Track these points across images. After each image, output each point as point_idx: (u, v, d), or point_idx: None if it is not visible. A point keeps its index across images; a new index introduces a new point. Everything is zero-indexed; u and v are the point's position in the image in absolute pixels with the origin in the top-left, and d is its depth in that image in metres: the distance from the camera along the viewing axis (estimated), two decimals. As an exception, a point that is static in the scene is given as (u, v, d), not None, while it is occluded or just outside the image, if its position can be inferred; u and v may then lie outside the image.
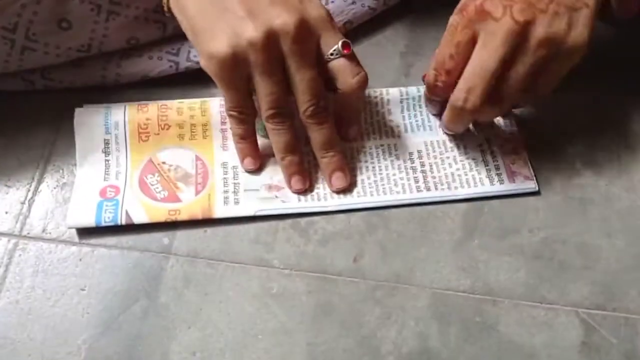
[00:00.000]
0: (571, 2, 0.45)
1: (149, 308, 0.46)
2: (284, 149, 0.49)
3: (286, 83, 0.47)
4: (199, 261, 0.47)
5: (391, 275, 0.47)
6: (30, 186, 0.51)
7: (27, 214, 0.49)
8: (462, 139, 0.52)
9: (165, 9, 0.49)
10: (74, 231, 0.48)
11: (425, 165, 0.51)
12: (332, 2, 0.56)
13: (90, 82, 0.53)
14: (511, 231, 0.49)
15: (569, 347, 0.44)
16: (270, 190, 0.50)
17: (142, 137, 0.51)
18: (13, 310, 0.45)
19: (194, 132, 0.52)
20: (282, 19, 0.45)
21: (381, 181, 0.50)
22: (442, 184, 0.50)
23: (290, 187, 0.50)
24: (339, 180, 0.50)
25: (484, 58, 0.45)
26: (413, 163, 0.51)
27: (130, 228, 0.48)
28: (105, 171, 0.50)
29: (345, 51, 0.47)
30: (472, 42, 0.46)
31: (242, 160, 0.51)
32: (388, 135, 0.53)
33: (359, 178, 0.51)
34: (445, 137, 0.52)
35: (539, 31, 0.45)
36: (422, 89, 0.52)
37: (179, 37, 0.54)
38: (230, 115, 0.49)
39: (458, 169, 0.51)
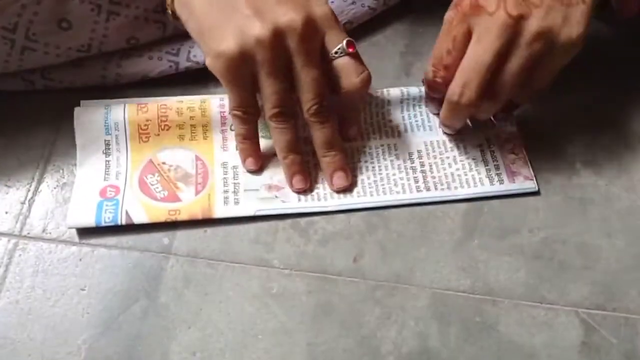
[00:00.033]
0: None
1: (149, 308, 0.46)
2: (286, 148, 0.49)
3: (290, 82, 0.47)
4: (199, 261, 0.47)
5: (391, 275, 0.47)
6: (30, 186, 0.51)
7: (27, 214, 0.49)
8: (462, 139, 0.52)
9: (169, 11, 0.49)
10: (74, 231, 0.48)
11: (425, 165, 0.51)
12: (332, 2, 0.56)
13: (90, 82, 0.53)
14: (511, 231, 0.49)
15: (569, 347, 0.44)
16: (270, 190, 0.50)
17: (142, 137, 0.51)
18: (13, 310, 0.46)
19: (194, 132, 0.52)
20: (289, 17, 0.45)
21: (381, 181, 0.50)
22: (442, 184, 0.50)
23: (291, 186, 0.50)
24: (340, 179, 0.50)
25: (479, 52, 0.45)
26: (413, 163, 0.51)
27: (130, 228, 0.48)
28: (106, 171, 0.50)
29: (349, 50, 0.47)
30: (468, 36, 0.46)
31: (244, 161, 0.51)
32: (388, 135, 0.53)
33: (358, 178, 0.51)
34: (445, 137, 0.52)
35: (533, 25, 0.45)
36: (423, 88, 0.52)
37: (179, 37, 0.54)
38: (234, 115, 0.49)
39: (458, 169, 0.51)
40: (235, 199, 0.49)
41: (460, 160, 0.51)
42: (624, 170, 0.51)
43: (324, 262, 0.47)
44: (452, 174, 0.51)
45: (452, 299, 0.46)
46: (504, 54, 0.45)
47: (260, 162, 0.51)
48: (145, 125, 0.51)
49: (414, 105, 0.54)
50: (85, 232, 0.48)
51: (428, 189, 0.50)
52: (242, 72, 0.46)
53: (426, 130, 0.53)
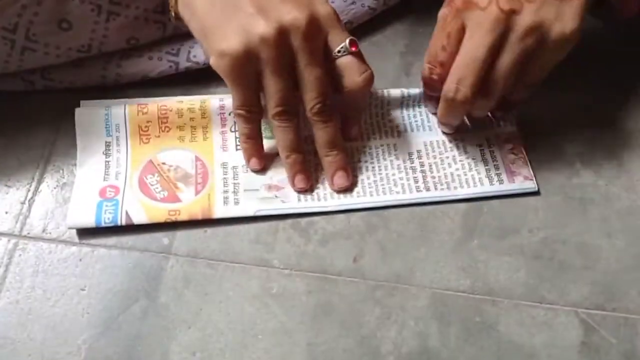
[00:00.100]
0: None
1: (148, 308, 0.46)
2: (289, 147, 0.49)
3: (294, 81, 0.47)
4: (199, 261, 0.47)
5: (391, 275, 0.47)
6: (31, 186, 0.51)
7: (27, 214, 0.49)
8: (461, 139, 0.52)
9: (172, 13, 0.49)
10: (74, 231, 0.48)
11: (425, 165, 0.51)
12: (332, 2, 0.56)
13: (90, 82, 0.53)
14: (511, 231, 0.49)
15: (568, 347, 0.44)
16: (270, 190, 0.50)
17: (142, 139, 0.51)
18: (13, 310, 0.46)
19: (194, 134, 0.52)
20: (293, 15, 0.45)
21: (381, 181, 0.50)
22: (441, 184, 0.50)
23: (293, 185, 0.50)
24: (341, 179, 0.50)
25: (472, 48, 0.46)
26: (413, 163, 0.51)
27: (130, 228, 0.48)
28: (105, 172, 0.50)
29: (352, 49, 0.47)
30: (462, 32, 0.47)
31: (247, 161, 0.51)
32: (388, 135, 0.53)
33: (358, 178, 0.51)
34: (445, 137, 0.52)
35: (525, 20, 0.45)
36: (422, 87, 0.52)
37: (179, 37, 0.54)
38: (238, 115, 0.49)
39: (457, 169, 0.51)
40: (235, 199, 0.49)
41: (460, 160, 0.51)
42: (624, 170, 0.51)
43: (324, 262, 0.47)
44: (452, 174, 0.51)
45: (452, 299, 0.46)
46: (497, 49, 0.45)
47: (264, 161, 0.51)
48: (146, 126, 0.51)
49: (413, 106, 0.54)
50: (85, 232, 0.48)
51: (428, 189, 0.50)
52: (246, 71, 0.46)
53: (426, 130, 0.53)
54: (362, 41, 0.56)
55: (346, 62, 0.47)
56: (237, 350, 0.44)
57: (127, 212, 0.48)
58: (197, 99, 0.52)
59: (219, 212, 0.49)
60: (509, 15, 0.45)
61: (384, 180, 0.50)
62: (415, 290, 0.46)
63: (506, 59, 0.46)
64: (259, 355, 0.44)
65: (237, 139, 0.52)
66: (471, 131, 0.52)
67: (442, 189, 0.50)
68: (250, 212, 0.49)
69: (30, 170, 0.51)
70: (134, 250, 0.48)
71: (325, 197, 0.50)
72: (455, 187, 0.50)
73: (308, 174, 0.50)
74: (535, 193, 0.50)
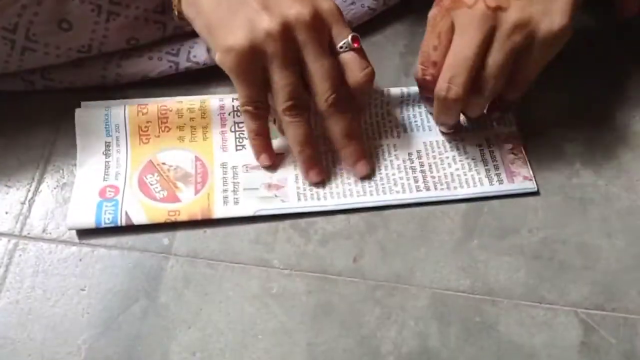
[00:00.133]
0: None
1: (148, 308, 0.46)
2: (302, 142, 0.49)
3: (301, 76, 0.47)
4: (198, 261, 0.47)
5: (391, 275, 0.47)
6: (31, 186, 0.51)
7: (27, 214, 0.49)
8: (461, 139, 0.52)
9: (176, 12, 0.49)
10: (74, 231, 0.48)
11: (425, 165, 0.51)
12: (332, 2, 0.56)
13: (90, 83, 0.53)
14: (511, 231, 0.49)
15: (568, 347, 0.44)
16: (270, 189, 0.50)
17: (142, 139, 0.51)
18: (13, 310, 0.46)
19: (194, 134, 0.52)
20: (297, 10, 0.45)
21: (380, 181, 0.50)
22: (441, 184, 0.50)
23: (308, 179, 0.50)
24: (363, 167, 0.50)
25: (462, 46, 0.46)
26: (412, 163, 0.51)
27: (130, 228, 0.48)
28: (105, 172, 0.50)
29: (354, 45, 0.47)
30: (452, 31, 0.47)
31: (257, 157, 0.51)
32: (388, 135, 0.53)
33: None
34: (445, 138, 0.52)
35: (512, 16, 0.45)
36: (422, 88, 0.52)
37: (179, 37, 0.54)
38: (245, 111, 0.49)
39: (457, 169, 0.51)
40: (234, 198, 0.49)
41: (460, 160, 0.51)
42: (624, 170, 0.51)
43: (324, 262, 0.47)
44: (452, 174, 0.51)
45: (452, 299, 0.46)
46: (486, 46, 0.45)
47: (274, 157, 0.51)
48: (146, 127, 0.51)
49: (413, 106, 0.54)
50: (85, 233, 0.48)
51: (428, 189, 0.50)
52: (252, 67, 0.46)
53: (425, 130, 0.53)
54: (362, 41, 0.56)
55: (348, 58, 0.48)
56: (237, 350, 0.44)
57: (126, 213, 0.48)
58: (196, 99, 0.52)
59: (218, 212, 0.49)
60: (496, 12, 0.45)
61: (384, 180, 0.50)
62: (415, 290, 0.46)
63: (495, 56, 0.46)
64: (259, 355, 0.44)
65: (237, 140, 0.52)
66: (471, 131, 0.52)
67: (442, 189, 0.50)
68: (250, 212, 0.49)
69: (30, 170, 0.51)
70: (134, 251, 0.48)
71: (325, 197, 0.50)
72: (455, 187, 0.50)
73: (322, 168, 0.50)
74: (535, 193, 0.50)
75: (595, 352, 0.44)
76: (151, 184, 0.50)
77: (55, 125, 0.53)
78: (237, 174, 0.51)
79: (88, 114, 0.51)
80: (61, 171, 0.51)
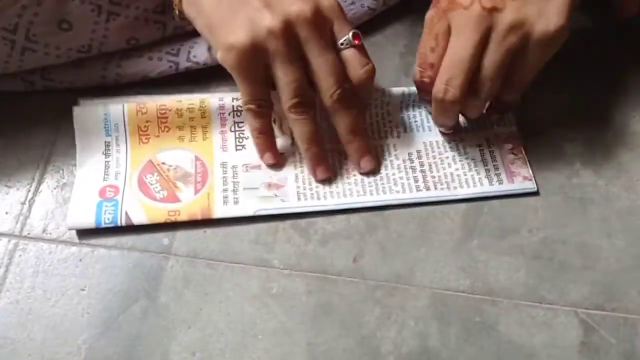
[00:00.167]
0: None
1: (148, 308, 0.46)
2: (308, 139, 0.49)
3: (305, 72, 0.47)
4: (198, 261, 0.47)
5: (391, 275, 0.47)
6: (31, 186, 0.51)
7: (27, 214, 0.49)
8: (461, 139, 0.52)
9: (177, 11, 0.49)
10: (74, 231, 0.48)
11: (425, 165, 0.51)
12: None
13: (90, 83, 0.53)
14: (511, 231, 0.49)
15: (568, 347, 0.44)
16: (269, 189, 0.50)
17: (142, 139, 0.51)
18: (13, 310, 0.46)
19: (194, 133, 0.52)
20: (298, 7, 0.46)
21: (380, 180, 0.50)
22: (441, 184, 0.50)
23: (315, 177, 0.50)
24: (368, 163, 0.50)
25: (458, 48, 0.46)
26: (412, 163, 0.51)
27: (130, 228, 0.48)
28: (105, 172, 0.50)
29: (355, 42, 0.47)
30: (449, 33, 0.47)
31: (262, 156, 0.51)
32: (388, 135, 0.53)
33: (358, 177, 0.51)
34: (445, 138, 0.52)
35: (507, 17, 0.45)
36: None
37: (179, 37, 0.54)
38: (248, 110, 0.49)
39: (457, 169, 0.51)
40: (234, 198, 0.49)
41: (460, 160, 0.51)
42: (624, 170, 0.51)
43: (324, 262, 0.47)
44: (452, 174, 0.51)
45: (452, 299, 0.46)
46: (482, 47, 0.45)
47: (278, 155, 0.51)
48: (145, 126, 0.51)
49: (413, 106, 0.54)
50: (85, 233, 0.48)
51: (427, 189, 0.50)
52: (254, 65, 0.46)
53: (425, 130, 0.53)
54: (362, 41, 0.56)
55: (349, 55, 0.48)
56: (237, 350, 0.44)
57: (126, 213, 0.48)
58: (196, 99, 0.52)
59: (218, 212, 0.49)
60: (492, 13, 0.45)
61: (384, 180, 0.50)
62: (415, 290, 0.46)
63: (492, 58, 0.46)
64: (259, 355, 0.44)
65: (237, 139, 0.52)
66: (470, 131, 0.52)
67: (442, 189, 0.50)
68: (249, 212, 0.49)
69: (30, 170, 0.51)
70: (134, 251, 0.48)
71: (324, 196, 0.50)
72: (455, 187, 0.50)
73: (328, 165, 0.50)
74: (535, 193, 0.50)
75: (595, 352, 0.44)
76: (151, 184, 0.50)
77: (55, 125, 0.53)
78: (237, 174, 0.51)
79: (86, 113, 0.51)
80: (61, 171, 0.51)
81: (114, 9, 0.51)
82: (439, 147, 0.52)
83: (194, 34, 0.50)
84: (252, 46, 0.45)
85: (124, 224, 0.48)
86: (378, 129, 0.53)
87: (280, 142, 0.52)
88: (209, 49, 0.53)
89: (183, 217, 0.48)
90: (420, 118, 0.53)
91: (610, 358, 0.44)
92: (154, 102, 0.51)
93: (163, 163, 0.51)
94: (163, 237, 0.48)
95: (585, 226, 0.49)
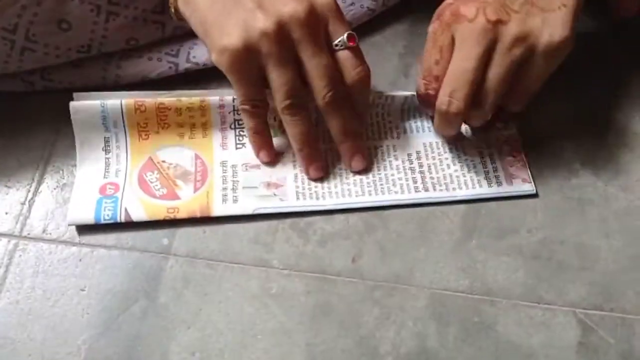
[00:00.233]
0: (547, 4, 0.46)
1: (148, 308, 0.46)
2: (301, 140, 0.49)
3: (299, 74, 0.47)
4: (198, 261, 0.48)
5: (390, 276, 0.47)
6: (30, 187, 0.51)
7: (27, 214, 0.50)
8: (461, 141, 0.52)
9: (172, 10, 0.49)
10: (74, 232, 0.48)
11: (424, 166, 0.51)
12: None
13: (90, 83, 0.53)
14: (510, 232, 0.49)
15: (566, 347, 0.45)
16: (269, 188, 0.50)
17: (142, 135, 0.51)
18: (13, 311, 0.46)
19: (193, 131, 0.52)
20: (292, 7, 0.45)
21: (379, 181, 0.51)
22: (440, 185, 0.50)
23: (308, 176, 0.50)
24: (358, 162, 0.50)
25: (462, 60, 0.46)
26: (412, 164, 0.51)
27: (130, 227, 0.48)
28: (106, 169, 0.50)
29: (350, 43, 0.47)
30: (453, 45, 0.47)
31: (257, 154, 0.51)
32: (387, 136, 0.53)
33: (357, 177, 0.51)
34: (444, 139, 0.53)
35: (512, 30, 0.45)
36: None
37: (178, 38, 0.54)
38: (243, 110, 0.49)
39: (456, 170, 0.51)
40: (233, 196, 0.49)
41: (459, 162, 0.51)
42: (623, 171, 0.51)
43: (323, 263, 0.48)
44: (451, 175, 0.51)
45: (451, 299, 0.46)
46: (487, 59, 0.45)
47: (273, 153, 0.51)
48: (145, 123, 0.51)
49: (413, 107, 0.54)
50: (85, 232, 0.48)
51: (426, 190, 0.50)
52: (247, 66, 0.46)
53: (425, 131, 0.53)
54: (361, 42, 0.55)
55: (343, 57, 0.47)
56: (236, 351, 0.44)
57: (126, 210, 0.48)
58: (196, 98, 0.52)
59: (217, 210, 0.49)
60: (496, 26, 0.45)
61: (383, 180, 0.51)
62: (414, 290, 0.47)
63: (496, 70, 0.46)
64: (258, 355, 0.44)
65: (237, 137, 0.52)
66: (469, 137, 0.53)
67: (441, 190, 0.50)
68: (248, 211, 0.49)
69: (30, 171, 0.51)
70: (133, 251, 0.48)
71: (323, 196, 0.50)
72: (453, 189, 0.50)
73: (322, 164, 0.51)
74: (534, 195, 0.50)
75: (594, 352, 0.44)
76: (151, 182, 0.50)
77: (55, 126, 0.53)
78: (236, 173, 0.51)
79: (84, 110, 0.50)
80: (61, 172, 0.51)
81: (113, 9, 0.51)
82: (438, 149, 0.52)
83: (193, 34, 0.50)
84: (245, 48, 0.45)
85: (123, 220, 0.48)
86: (378, 129, 0.53)
87: (280, 141, 0.52)
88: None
89: (182, 214, 0.48)
90: (420, 119, 0.53)
91: (609, 358, 0.44)
92: (152, 100, 0.51)
93: (163, 161, 0.51)
94: (163, 237, 0.48)
95: (583, 227, 0.49)
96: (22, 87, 0.53)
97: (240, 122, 0.52)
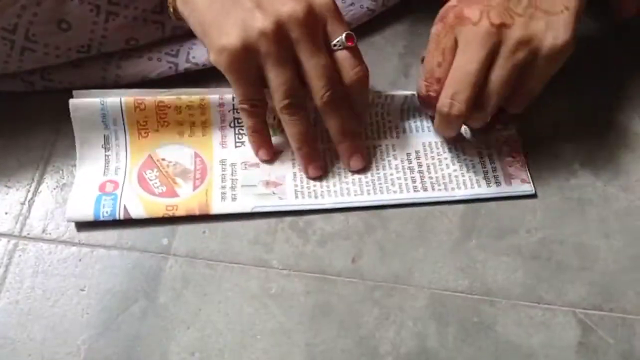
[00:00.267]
0: (549, 7, 0.46)
1: (148, 308, 0.46)
2: (299, 139, 0.49)
3: (297, 73, 0.47)
4: (198, 262, 0.48)
5: (389, 276, 0.47)
6: (30, 187, 0.51)
7: (27, 214, 0.50)
8: (460, 141, 0.52)
9: (171, 9, 0.49)
10: (73, 232, 0.49)
11: (423, 165, 0.51)
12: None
13: (90, 83, 0.53)
14: (509, 232, 0.49)
15: (566, 347, 0.45)
16: (267, 187, 0.50)
17: (141, 133, 0.51)
18: (13, 311, 0.46)
19: (193, 129, 0.52)
20: (290, 7, 0.45)
21: (378, 180, 0.51)
22: (439, 185, 0.50)
23: (307, 175, 0.50)
24: (356, 162, 0.51)
25: (465, 62, 0.46)
26: (411, 163, 0.51)
27: (130, 227, 0.48)
28: (105, 166, 0.50)
29: (348, 43, 0.47)
30: (456, 47, 0.47)
31: (256, 152, 0.51)
32: (387, 135, 0.53)
33: (356, 177, 0.51)
34: (443, 139, 0.53)
35: (516, 33, 0.45)
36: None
37: (178, 38, 0.54)
38: (242, 109, 0.49)
39: (455, 170, 0.51)
40: (232, 194, 0.49)
41: (458, 162, 0.51)
42: (622, 171, 0.51)
43: (323, 263, 0.48)
44: (450, 175, 0.51)
45: (450, 300, 0.46)
46: (489, 62, 0.46)
47: (272, 151, 0.51)
48: (144, 121, 0.51)
49: (413, 107, 0.54)
50: (84, 232, 0.48)
51: (425, 189, 0.50)
52: (246, 66, 0.46)
53: (425, 131, 0.53)
54: (361, 42, 0.56)
55: (341, 57, 0.47)
56: (236, 351, 0.44)
57: (125, 207, 0.48)
58: (196, 97, 0.52)
59: (216, 208, 0.49)
60: (500, 29, 0.45)
61: (382, 180, 0.51)
62: (413, 290, 0.47)
63: (499, 73, 0.46)
64: (258, 355, 0.44)
65: (237, 136, 0.52)
66: (468, 138, 0.53)
67: (440, 190, 0.50)
68: (247, 209, 0.49)
69: (30, 171, 0.51)
70: (133, 251, 0.48)
71: (322, 195, 0.50)
72: (452, 188, 0.50)
73: (321, 163, 0.51)
74: (532, 196, 0.50)
75: (593, 352, 0.44)
76: (150, 180, 0.50)
77: (55, 126, 0.53)
78: (235, 171, 0.51)
79: (83, 106, 0.50)
80: (61, 172, 0.51)
81: (112, 8, 0.51)
82: (437, 148, 0.52)
83: (193, 34, 0.50)
84: (244, 48, 0.45)
85: (122, 217, 0.48)
86: (377, 129, 0.53)
87: (279, 140, 0.52)
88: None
89: (181, 212, 0.48)
90: (419, 119, 0.53)
91: (608, 358, 0.44)
92: (152, 98, 0.51)
93: (163, 159, 0.51)
94: (162, 238, 0.48)
95: (583, 227, 0.49)
96: (22, 87, 0.53)
97: (240, 121, 0.52)
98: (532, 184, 0.50)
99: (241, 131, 0.52)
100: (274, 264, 0.48)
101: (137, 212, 0.48)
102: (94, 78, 0.53)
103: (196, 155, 0.51)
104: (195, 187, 0.50)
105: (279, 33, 0.45)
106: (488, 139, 0.52)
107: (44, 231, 0.49)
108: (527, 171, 0.51)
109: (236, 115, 0.52)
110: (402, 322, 0.45)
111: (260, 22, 0.45)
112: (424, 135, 0.53)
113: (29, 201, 0.50)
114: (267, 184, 0.50)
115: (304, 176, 0.51)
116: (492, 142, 0.52)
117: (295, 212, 0.49)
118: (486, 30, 0.45)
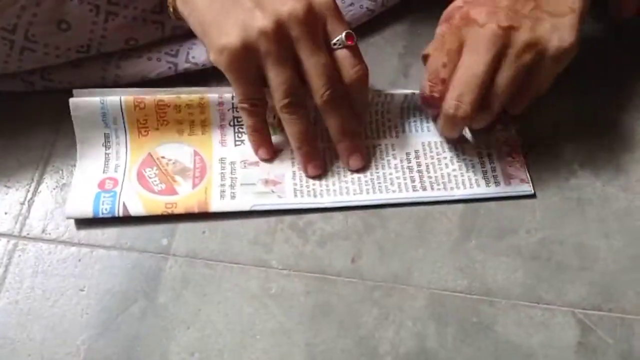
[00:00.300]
0: (555, 9, 0.46)
1: (147, 309, 0.46)
2: (299, 138, 0.49)
3: (297, 72, 0.47)
4: (197, 262, 0.48)
5: (389, 276, 0.47)
6: (30, 187, 0.51)
7: (26, 214, 0.50)
8: (460, 141, 0.52)
9: (170, 9, 0.49)
10: (73, 232, 0.49)
11: (422, 165, 0.51)
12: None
13: (89, 83, 0.53)
14: (509, 232, 0.49)
15: (565, 347, 0.45)
16: (266, 185, 0.50)
17: (141, 132, 0.51)
18: (13, 311, 0.46)
19: (192, 128, 0.52)
20: (290, 6, 0.45)
21: (377, 180, 0.51)
22: (438, 184, 0.50)
23: (307, 173, 0.51)
24: (356, 161, 0.51)
25: (472, 64, 0.46)
26: (410, 163, 0.51)
27: (129, 226, 0.48)
28: (105, 164, 0.50)
29: (348, 42, 0.47)
30: (462, 49, 0.47)
31: (256, 151, 0.51)
32: (386, 135, 0.53)
33: (355, 176, 0.51)
34: (443, 139, 0.53)
35: (523, 36, 0.45)
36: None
37: (178, 38, 0.54)
38: (242, 109, 0.49)
39: (454, 170, 0.51)
40: (231, 193, 0.49)
41: (457, 162, 0.51)
42: (622, 171, 0.51)
43: (322, 263, 0.48)
44: (449, 175, 0.51)
45: (450, 300, 0.46)
46: (496, 65, 0.45)
47: (272, 150, 0.51)
48: (144, 120, 0.51)
49: (413, 106, 0.54)
50: (84, 232, 0.48)
51: (424, 189, 0.50)
52: (246, 65, 0.46)
53: (424, 131, 0.53)
54: (360, 42, 0.55)
55: (341, 56, 0.48)
56: (235, 351, 0.44)
57: (124, 204, 0.48)
58: (195, 95, 0.52)
59: (215, 206, 0.49)
60: (507, 32, 0.45)
61: (381, 179, 0.51)
62: (413, 290, 0.47)
63: (505, 75, 0.46)
64: (258, 355, 0.44)
65: (236, 134, 0.52)
66: (468, 139, 0.53)
67: (439, 189, 0.50)
68: (246, 207, 0.49)
69: (29, 171, 0.51)
70: (132, 251, 0.48)
71: (321, 194, 0.50)
72: (451, 188, 0.50)
73: (320, 162, 0.51)
74: (531, 196, 0.50)
75: (593, 352, 0.44)
76: (150, 177, 0.50)
77: (54, 126, 0.53)
78: (235, 170, 0.51)
79: (83, 105, 0.50)
80: (60, 172, 0.51)
81: (112, 9, 0.51)
82: (437, 148, 0.52)
83: (192, 34, 0.50)
84: (244, 47, 0.45)
85: (121, 214, 0.48)
86: (377, 128, 0.53)
87: (279, 139, 0.52)
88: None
89: (180, 209, 0.49)
90: (419, 118, 0.53)
91: (608, 358, 0.44)
92: (152, 97, 0.51)
93: (162, 157, 0.51)
94: (162, 238, 0.48)
95: (582, 227, 0.49)
96: (22, 87, 0.53)
97: (239, 120, 0.52)
98: (531, 184, 0.50)
99: (241, 130, 0.52)
100: (273, 264, 0.48)
101: (136, 210, 0.48)
102: (94, 78, 0.53)
103: (196, 153, 0.51)
104: (194, 185, 0.50)
105: (279, 32, 0.45)
106: (488, 139, 0.52)
107: (43, 231, 0.49)
108: (527, 171, 0.51)
109: (236, 114, 0.52)
110: (402, 322, 0.45)
111: (260, 21, 0.45)
112: (423, 135, 0.53)
113: (28, 201, 0.50)
114: (267, 182, 0.50)
115: (303, 175, 0.51)
116: (491, 142, 0.52)
117: (295, 211, 0.49)
118: (493, 32, 0.45)
